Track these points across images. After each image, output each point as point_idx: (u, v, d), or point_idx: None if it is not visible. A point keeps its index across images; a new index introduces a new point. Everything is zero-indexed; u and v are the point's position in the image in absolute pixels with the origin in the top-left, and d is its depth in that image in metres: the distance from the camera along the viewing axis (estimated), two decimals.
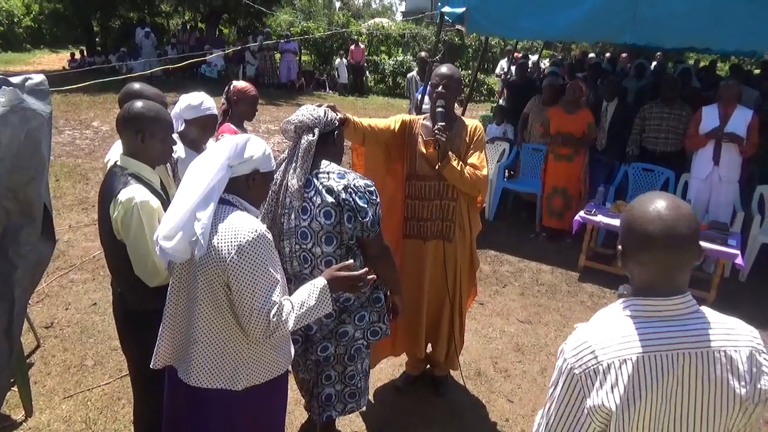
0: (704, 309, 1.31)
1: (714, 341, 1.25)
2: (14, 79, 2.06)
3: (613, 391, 1.23)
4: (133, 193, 2.05)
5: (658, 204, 1.27)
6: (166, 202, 2.13)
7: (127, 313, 2.26)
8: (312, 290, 1.83)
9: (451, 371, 3.44)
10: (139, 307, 2.19)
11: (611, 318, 1.32)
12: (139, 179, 2.12)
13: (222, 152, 1.76)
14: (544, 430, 1.36)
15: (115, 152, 2.49)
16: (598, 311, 1.39)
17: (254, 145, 1.82)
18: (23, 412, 2.95)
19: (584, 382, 1.26)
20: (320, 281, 1.87)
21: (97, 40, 20.30)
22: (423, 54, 9.72)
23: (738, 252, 4.42)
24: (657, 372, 1.23)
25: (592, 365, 1.25)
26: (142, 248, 2.07)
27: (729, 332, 1.28)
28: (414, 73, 9.30)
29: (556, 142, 5.67)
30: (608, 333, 1.28)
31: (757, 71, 10.54)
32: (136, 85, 2.70)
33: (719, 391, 1.24)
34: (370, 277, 1.96)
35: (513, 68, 9.69)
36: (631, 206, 1.33)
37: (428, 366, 3.42)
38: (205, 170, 1.71)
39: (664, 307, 1.27)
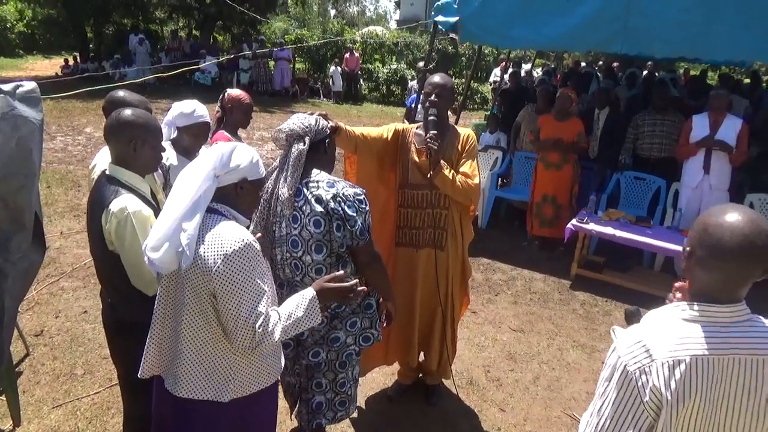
0: (759, 318, 1.34)
1: (766, 350, 1.29)
2: (5, 87, 2.04)
3: (665, 388, 1.26)
4: (125, 202, 2.03)
5: (739, 215, 1.28)
6: (156, 211, 2.12)
7: (118, 323, 2.24)
8: (300, 301, 1.82)
9: (444, 380, 3.43)
10: (130, 317, 2.18)
11: (666, 319, 1.35)
12: (130, 189, 2.11)
13: (207, 162, 1.75)
14: (597, 428, 1.36)
15: (101, 158, 2.47)
16: (650, 311, 1.41)
17: (241, 153, 1.80)
18: (11, 422, 2.92)
19: (638, 378, 1.29)
20: (309, 292, 1.86)
21: (90, 46, 20.25)
22: (421, 64, 9.74)
23: None
24: (708, 375, 1.27)
25: (646, 363, 1.28)
26: (138, 258, 2.04)
27: None
28: (414, 83, 9.31)
29: (545, 148, 5.65)
30: (663, 333, 1.31)
31: (747, 81, 10.65)
32: (121, 93, 2.69)
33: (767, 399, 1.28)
34: (361, 288, 1.95)
35: (506, 77, 9.74)
36: (710, 213, 1.34)
37: (420, 375, 3.42)
38: (191, 181, 1.70)
39: (720, 314, 1.30)
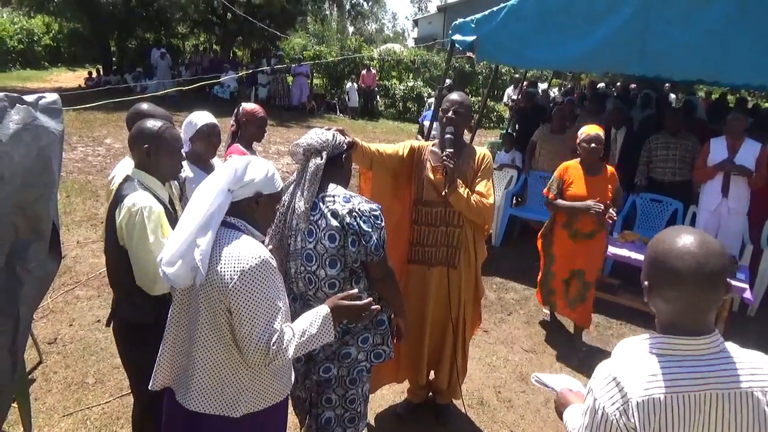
0: (731, 347, 1.29)
1: (741, 382, 1.23)
2: (28, 98, 2.09)
3: (641, 428, 1.21)
4: (138, 197, 2.12)
5: (687, 239, 1.22)
6: (174, 220, 2.16)
7: (125, 326, 2.29)
8: (315, 318, 1.82)
9: (454, 400, 3.39)
10: (135, 318, 2.22)
11: (637, 355, 1.28)
12: (147, 189, 2.21)
13: (222, 177, 1.75)
14: None
15: (120, 170, 2.54)
16: (620, 342, 1.36)
17: (255, 167, 1.80)
18: (22, 430, 2.93)
19: (618, 419, 1.23)
20: (323, 309, 1.85)
21: (113, 59, 20.68)
22: (449, 82, 9.90)
23: (746, 286, 4.36)
24: (685, 412, 1.21)
25: (623, 402, 1.23)
26: (144, 253, 2.11)
27: (756, 372, 1.25)
28: (432, 100, 9.54)
29: (574, 214, 4.02)
30: (635, 371, 1.25)
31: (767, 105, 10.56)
32: (144, 106, 2.76)
33: None
34: (374, 307, 1.95)
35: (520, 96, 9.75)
36: (658, 240, 1.27)
37: (430, 393, 3.38)
38: (205, 196, 1.71)
39: (690, 347, 1.24)
